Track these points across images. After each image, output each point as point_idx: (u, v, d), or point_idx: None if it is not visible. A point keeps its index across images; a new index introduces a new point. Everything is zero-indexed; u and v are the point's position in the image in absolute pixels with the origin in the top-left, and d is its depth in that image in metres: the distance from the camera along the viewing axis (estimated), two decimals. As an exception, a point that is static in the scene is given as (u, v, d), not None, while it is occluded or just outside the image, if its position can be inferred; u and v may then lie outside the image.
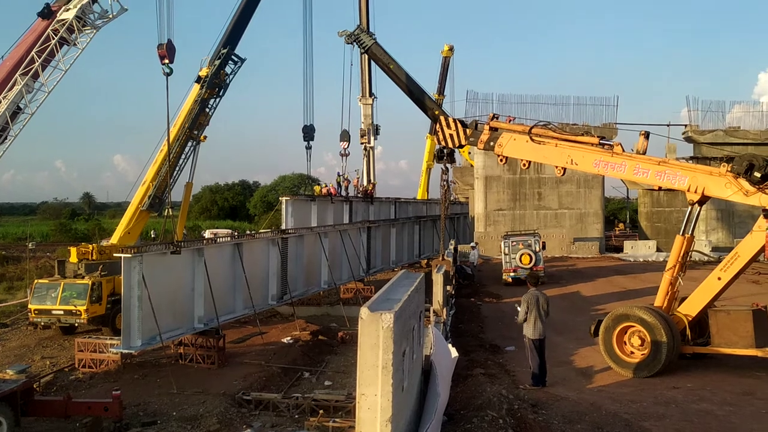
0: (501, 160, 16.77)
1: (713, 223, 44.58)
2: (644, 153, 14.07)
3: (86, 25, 26.01)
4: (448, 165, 20.72)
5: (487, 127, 16.81)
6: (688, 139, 44.42)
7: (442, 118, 18.57)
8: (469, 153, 56.10)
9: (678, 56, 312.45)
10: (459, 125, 17.85)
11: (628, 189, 55.88)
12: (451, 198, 46.56)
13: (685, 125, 44.80)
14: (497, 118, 17.03)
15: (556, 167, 15.29)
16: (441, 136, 18.26)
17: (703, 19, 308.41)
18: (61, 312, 21.21)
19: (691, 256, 14.21)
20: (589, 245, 42.08)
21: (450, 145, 18.21)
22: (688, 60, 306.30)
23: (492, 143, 16.48)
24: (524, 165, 16.22)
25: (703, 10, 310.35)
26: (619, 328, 13.43)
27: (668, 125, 43.88)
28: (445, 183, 21.71)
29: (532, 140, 15.49)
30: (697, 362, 13.58)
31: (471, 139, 17.51)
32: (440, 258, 22.19)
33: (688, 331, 13.32)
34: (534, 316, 12.42)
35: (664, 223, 46.55)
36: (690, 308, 13.39)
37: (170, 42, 23.59)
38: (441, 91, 56.46)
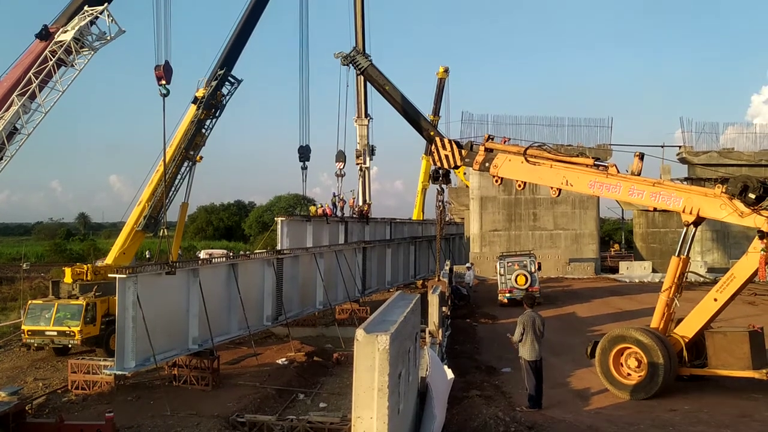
0: (496, 181, 16.82)
1: (708, 244, 44.66)
2: (639, 174, 14.15)
3: (84, 46, 26.07)
4: (444, 186, 20.79)
5: (482, 148, 16.91)
6: (683, 161, 44.67)
7: (437, 139, 18.66)
8: (465, 173, 56.28)
9: (672, 78, 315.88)
10: (454, 146, 17.96)
11: (623, 210, 56.09)
12: (447, 218, 46.58)
13: (680, 146, 45.01)
14: (492, 139, 17.13)
15: (552, 188, 15.35)
16: (436, 157, 18.35)
17: (697, 42, 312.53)
18: (55, 333, 21.05)
19: (686, 277, 14.24)
20: (585, 266, 42.09)
21: (445, 165, 18.31)
22: (682, 82, 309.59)
23: (487, 164, 16.57)
24: (519, 186, 16.29)
25: (697, 33, 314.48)
26: (615, 350, 13.41)
27: (662, 146, 44.24)
28: (440, 204, 21.77)
29: (528, 161, 15.58)
30: (694, 384, 13.54)
31: (466, 160, 17.62)
32: (436, 279, 22.16)
33: (684, 353, 13.30)
34: (530, 338, 12.38)
35: (660, 243, 46.62)
36: (686, 330, 13.39)
37: (167, 63, 23.64)
38: (436, 112, 56.73)
